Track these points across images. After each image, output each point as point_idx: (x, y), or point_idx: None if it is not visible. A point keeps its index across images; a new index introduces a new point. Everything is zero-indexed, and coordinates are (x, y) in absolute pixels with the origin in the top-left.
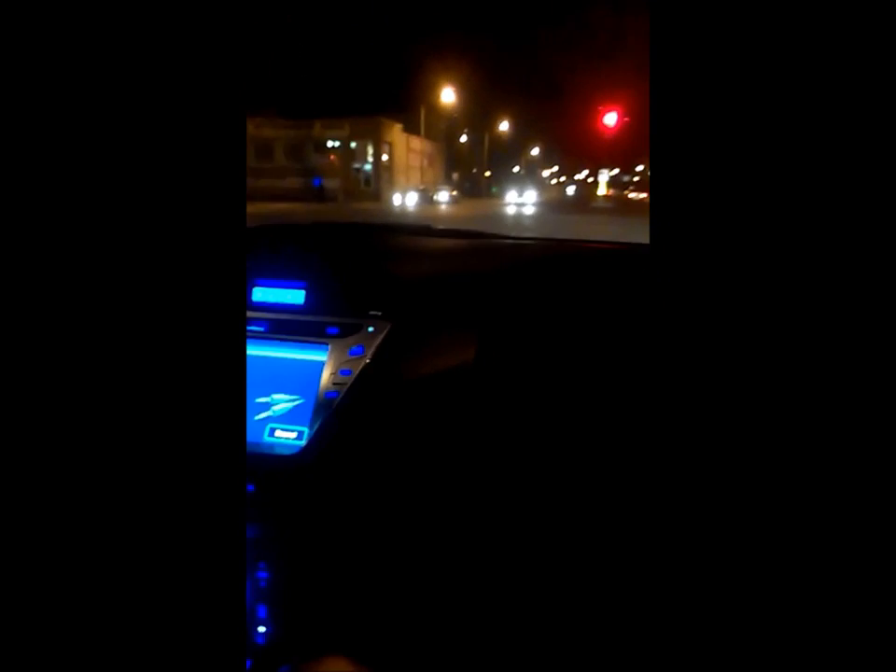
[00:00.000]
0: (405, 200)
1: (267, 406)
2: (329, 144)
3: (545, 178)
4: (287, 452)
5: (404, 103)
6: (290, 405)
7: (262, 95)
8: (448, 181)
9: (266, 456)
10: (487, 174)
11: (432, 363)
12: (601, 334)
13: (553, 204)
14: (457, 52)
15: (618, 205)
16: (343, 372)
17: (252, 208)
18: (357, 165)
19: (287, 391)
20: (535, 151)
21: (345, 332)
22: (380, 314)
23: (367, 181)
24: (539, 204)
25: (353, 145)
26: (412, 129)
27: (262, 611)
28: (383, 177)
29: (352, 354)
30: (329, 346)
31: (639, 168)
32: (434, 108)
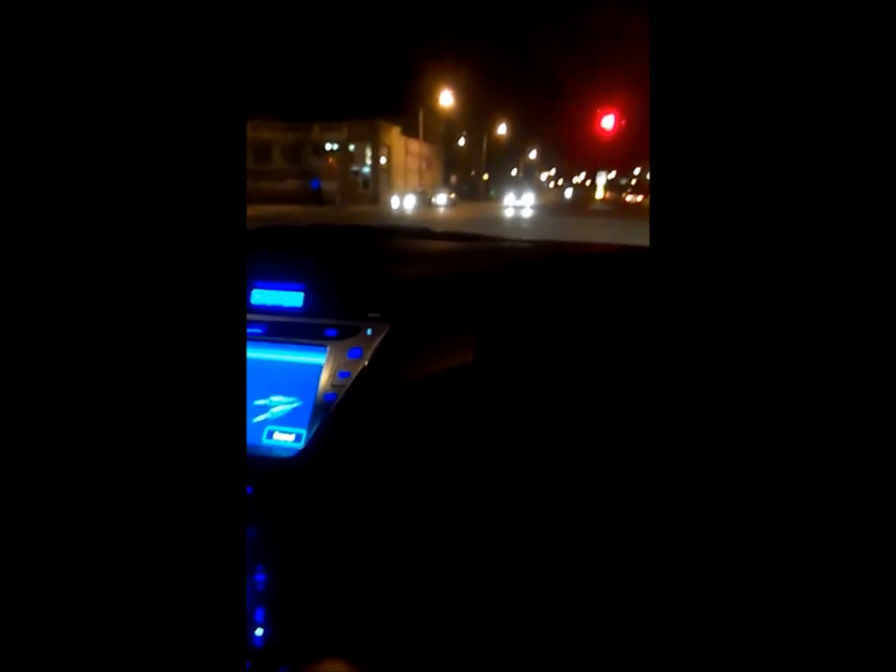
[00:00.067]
0: (403, 202)
1: (265, 408)
2: (328, 146)
3: (543, 181)
4: (285, 454)
5: (403, 105)
6: (288, 407)
7: (261, 98)
8: (446, 184)
9: (264, 459)
10: (485, 177)
11: (431, 365)
12: (600, 336)
13: (551, 207)
14: (456, 55)
15: (615, 208)
16: (341, 375)
17: (250, 210)
18: (355, 168)
19: (285, 393)
20: (533, 154)
21: (344, 335)
22: (378, 316)
23: (365, 184)
24: (537, 207)
25: (351, 147)
26: (410, 132)
27: (260, 614)
28: (381, 180)
29: (350, 356)
30: (328, 349)
31: (637, 171)
32: (432, 111)
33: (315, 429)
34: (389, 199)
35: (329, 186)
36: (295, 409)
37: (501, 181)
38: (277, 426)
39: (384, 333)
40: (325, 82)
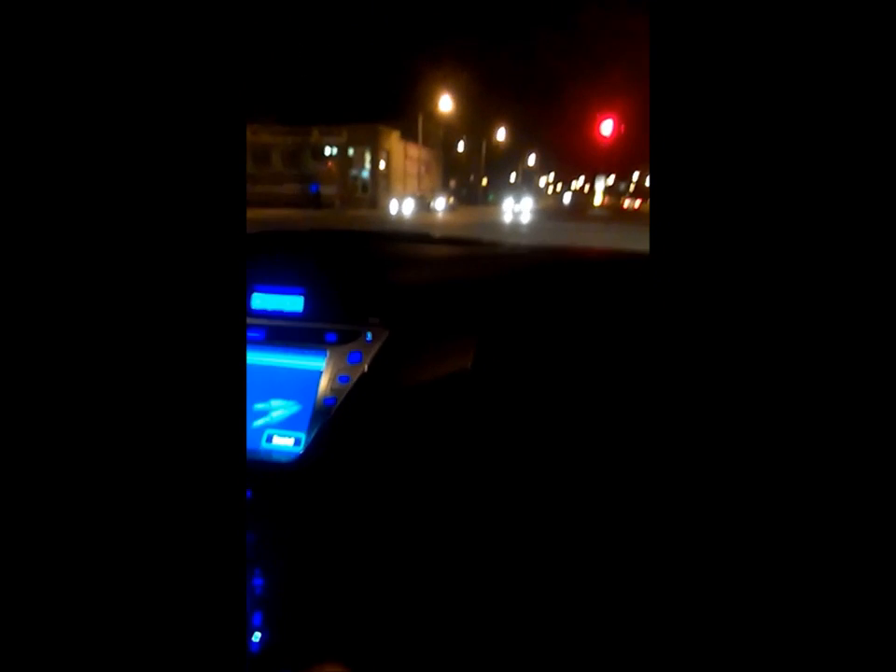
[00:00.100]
0: (402, 207)
1: (265, 413)
2: (327, 150)
3: (541, 187)
4: (284, 459)
5: (402, 110)
6: (288, 412)
7: (261, 101)
8: (445, 188)
9: (263, 463)
10: (484, 181)
11: (430, 370)
12: (599, 342)
13: (550, 212)
14: (455, 61)
15: (613, 213)
16: (341, 379)
17: (248, 213)
18: (354, 172)
19: (285, 398)
20: (532, 159)
21: (343, 339)
22: (378, 321)
23: (364, 188)
24: (536, 212)
25: (350, 151)
26: (409, 136)
27: (258, 618)
28: (380, 184)
29: (350, 361)
30: (328, 353)
31: (635, 176)
32: (432, 116)
33: (314, 434)
34: (388, 203)
35: (328, 190)
36: (294, 413)
37: (500, 186)
38: (277, 430)
39: (383, 338)
40: (325, 86)
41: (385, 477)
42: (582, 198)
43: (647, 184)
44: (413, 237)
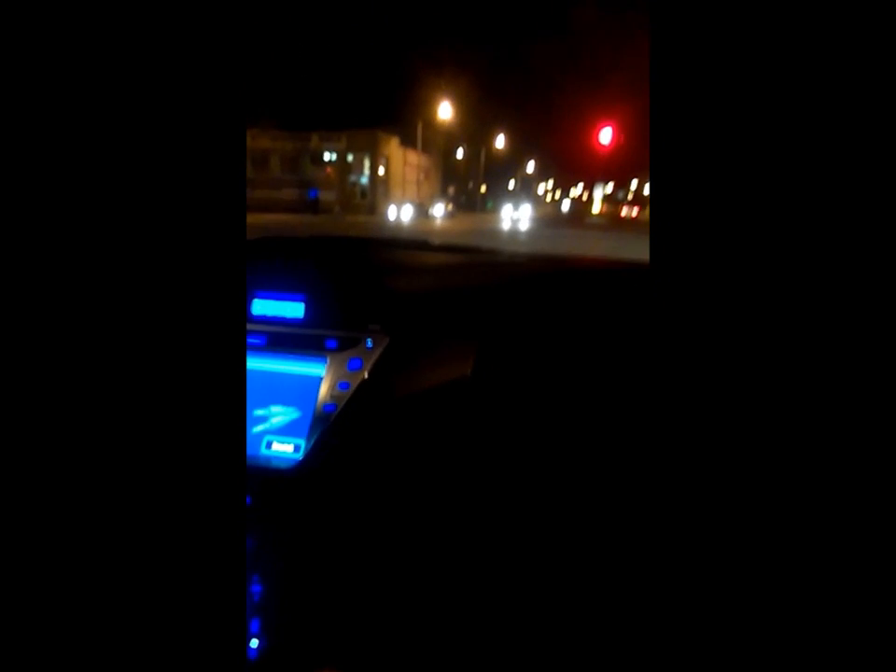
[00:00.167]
0: (400, 213)
1: (265, 419)
2: (326, 156)
3: (540, 194)
4: (283, 465)
5: (401, 117)
6: (288, 418)
7: (261, 106)
8: (444, 195)
9: (263, 469)
10: (483, 188)
11: (430, 378)
12: (598, 350)
13: (548, 220)
14: (455, 68)
15: (611, 221)
16: (341, 386)
17: (247, 218)
18: (353, 178)
19: (284, 404)
20: (531, 167)
21: (344, 346)
22: (378, 328)
23: (363, 194)
24: (535, 220)
25: (350, 157)
26: (409, 143)
27: (256, 625)
28: (379, 190)
29: (350, 368)
30: (328, 360)
31: (634, 185)
32: (431, 123)
33: (314, 440)
34: (386, 209)
35: (326, 195)
36: (294, 420)
37: (499, 193)
38: (276, 436)
39: (384, 345)
40: (325, 92)
41: (385, 484)
42: (581, 206)
43: (645, 192)
44: (414, 244)
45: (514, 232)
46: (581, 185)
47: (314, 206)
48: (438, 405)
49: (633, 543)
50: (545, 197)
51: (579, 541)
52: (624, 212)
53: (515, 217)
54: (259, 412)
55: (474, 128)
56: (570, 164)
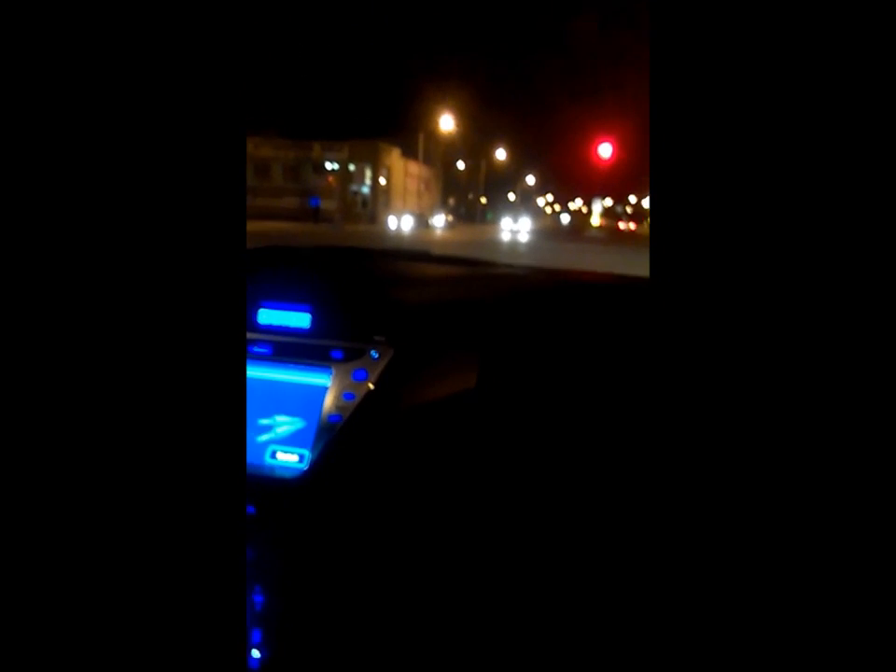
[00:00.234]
0: (401, 223)
1: (270, 428)
2: (328, 165)
3: (540, 207)
4: (288, 475)
5: (403, 128)
6: (293, 428)
7: (263, 115)
8: (444, 206)
9: (267, 479)
10: (483, 200)
11: (435, 390)
12: (600, 363)
13: (548, 232)
14: (457, 81)
15: (610, 235)
16: (346, 397)
17: (248, 226)
18: (354, 187)
19: (289, 414)
20: (531, 180)
21: (349, 357)
22: (384, 339)
23: (364, 203)
24: (534, 232)
25: (351, 167)
26: (410, 154)
27: (257, 635)
28: (380, 200)
29: (355, 378)
30: (333, 370)
31: (633, 199)
32: (433, 134)
33: (318, 451)
34: (386, 219)
35: (327, 204)
36: (299, 429)
37: (499, 205)
38: (281, 446)
39: (389, 357)
40: (328, 102)
41: (389, 495)
42: (580, 219)
43: (644, 206)
44: (419, 256)
45: (514, 244)
46: (580, 199)
47: (314, 215)
48: (442, 417)
49: (639, 553)
50: (545, 210)
51: (585, 552)
52: (622, 226)
53: (515, 229)
54: (264, 421)
55: (475, 140)
56: (570, 178)
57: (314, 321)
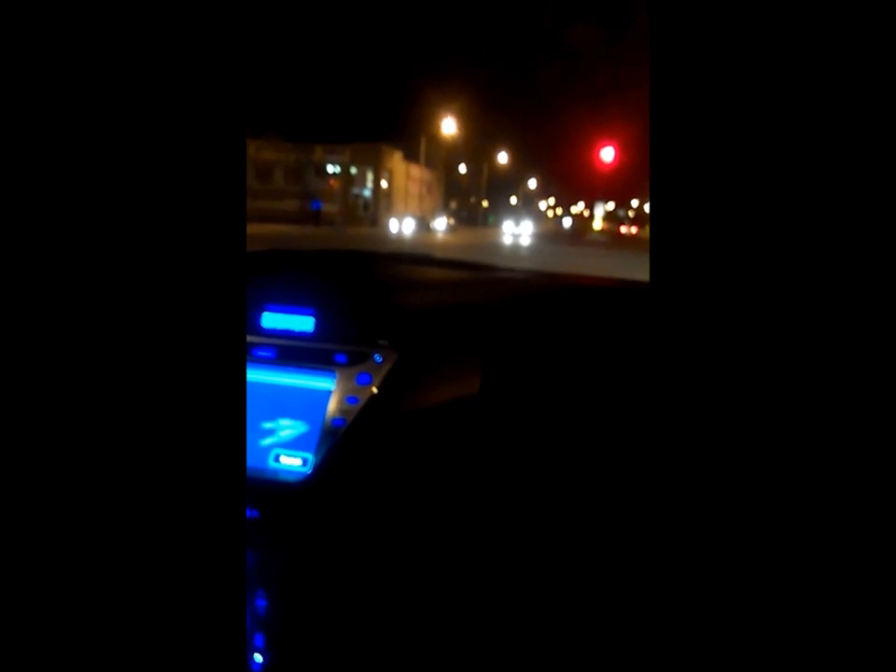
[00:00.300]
0: (402, 226)
1: (273, 432)
2: (330, 168)
3: (542, 210)
4: (291, 478)
5: (405, 131)
6: (296, 432)
7: (265, 118)
8: (446, 209)
9: (270, 482)
10: (485, 203)
11: (438, 394)
12: (603, 367)
13: (550, 236)
14: (459, 84)
15: (612, 239)
16: (349, 400)
17: (248, 229)
18: (356, 191)
19: (293, 417)
20: (532, 183)
21: (353, 361)
22: (387, 343)
23: (365, 206)
24: (536, 236)
25: (353, 170)
26: (412, 157)
27: (260, 639)
28: (381, 204)
29: (359, 382)
30: (337, 374)
31: (635, 203)
32: (435, 138)
33: (322, 454)
34: (388, 222)
35: (329, 207)
36: (303, 433)
37: (500, 208)
38: (284, 449)
39: (392, 361)
40: (330, 105)
41: (392, 499)
42: (582, 223)
43: (646, 210)
44: (423, 259)
45: (515, 247)
46: (582, 202)
47: (315, 218)
48: (446, 421)
49: (642, 556)
50: (546, 213)
51: (588, 555)
52: (624, 230)
53: (517, 233)
54: (268, 424)
55: (477, 144)
56: (572, 181)
57: (317, 325)
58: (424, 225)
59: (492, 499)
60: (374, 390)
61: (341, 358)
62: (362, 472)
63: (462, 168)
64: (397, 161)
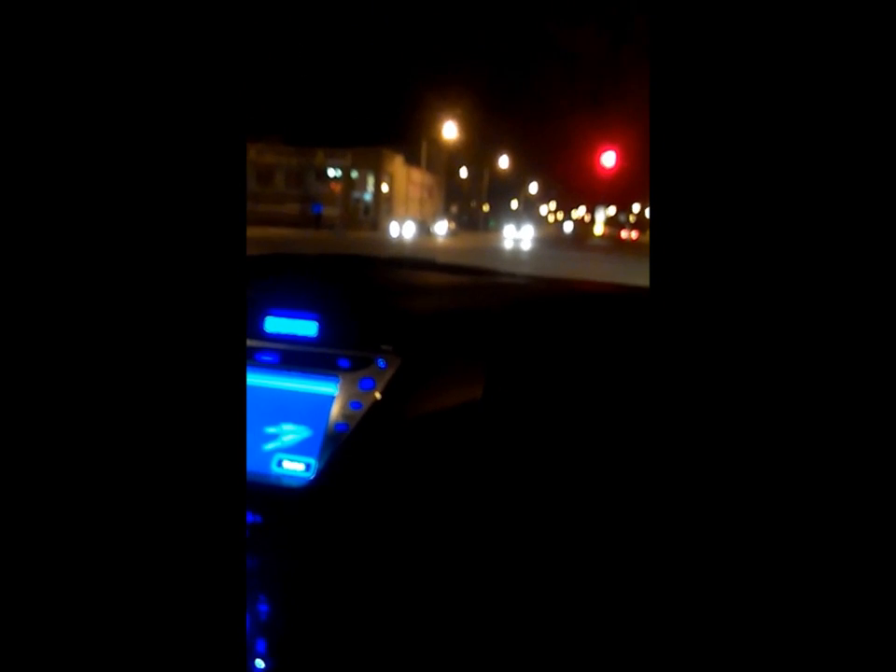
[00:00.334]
0: (402, 230)
1: (276, 436)
2: (331, 172)
3: (543, 215)
4: (294, 483)
5: (406, 135)
6: (299, 437)
7: (267, 122)
8: (447, 213)
9: (273, 487)
10: (486, 208)
11: (442, 399)
12: (607, 374)
13: (551, 241)
14: (460, 88)
15: (613, 244)
16: (353, 406)
17: (248, 232)
18: (357, 194)
19: (296, 422)
20: (533, 188)
21: (356, 366)
22: (391, 348)
23: (366, 210)
24: (537, 240)
25: (354, 174)
26: (413, 161)
27: (262, 645)
28: (382, 208)
29: (362, 387)
30: (340, 379)
31: (636, 208)
32: (436, 142)
33: (325, 460)
34: (388, 226)
35: (330, 211)
36: (306, 438)
37: (501, 213)
38: (287, 454)
39: (396, 366)
40: (331, 109)
41: (396, 505)
42: (583, 227)
43: (647, 215)
44: (425, 264)
45: (516, 252)
46: (583, 207)
47: (316, 221)
48: (449, 427)
49: (645, 564)
50: (547, 218)
51: (591, 562)
52: (624, 234)
53: (517, 238)
54: (271, 429)
55: (478, 148)
56: (573, 186)
57: (321, 329)
58: (424, 229)
59: (496, 504)
60: (378, 395)
61: (344, 363)
62: (365, 477)
63: (463, 172)
64: (398, 164)
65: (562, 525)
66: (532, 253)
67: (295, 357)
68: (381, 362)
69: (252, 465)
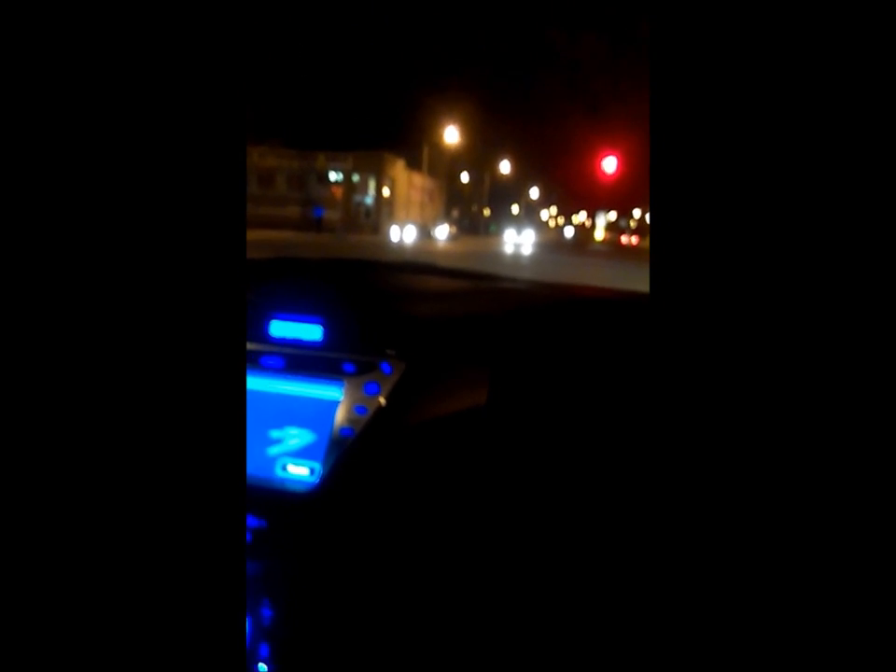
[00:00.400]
0: (403, 234)
1: (281, 441)
2: (332, 176)
3: (544, 220)
4: (298, 488)
5: (408, 139)
6: (304, 441)
7: (268, 125)
8: (447, 218)
9: (277, 492)
10: (487, 212)
11: (446, 404)
12: (611, 379)
13: (551, 246)
14: (462, 93)
15: (613, 249)
16: (358, 410)
17: (248, 235)
18: (358, 198)
19: (301, 427)
20: (534, 192)
21: (361, 370)
22: (395, 353)
23: (367, 214)
24: (537, 245)
25: (355, 178)
26: (414, 165)
27: (265, 649)
28: (383, 211)
29: (367, 392)
30: (345, 384)
31: (637, 213)
32: (437, 146)
33: (330, 464)
34: (389, 230)
35: (331, 215)
36: (310, 443)
37: (502, 217)
38: (292, 459)
39: (401, 371)
40: (333, 113)
41: (400, 510)
42: (584, 232)
43: (647, 221)
44: (428, 268)
45: (517, 256)
46: (584, 212)
47: (317, 225)
48: (454, 432)
49: (649, 570)
50: (548, 223)
51: (595, 567)
52: (624, 239)
53: (518, 242)
54: (276, 433)
55: (479, 153)
56: (574, 191)
57: (326, 334)
58: (425, 233)
59: (500, 510)
60: (382, 400)
61: (349, 368)
62: (370, 482)
63: (464, 177)
64: (399, 168)
65: (567, 529)
66: (533, 258)
67: (300, 361)
68: (386, 367)
69: (257, 469)
